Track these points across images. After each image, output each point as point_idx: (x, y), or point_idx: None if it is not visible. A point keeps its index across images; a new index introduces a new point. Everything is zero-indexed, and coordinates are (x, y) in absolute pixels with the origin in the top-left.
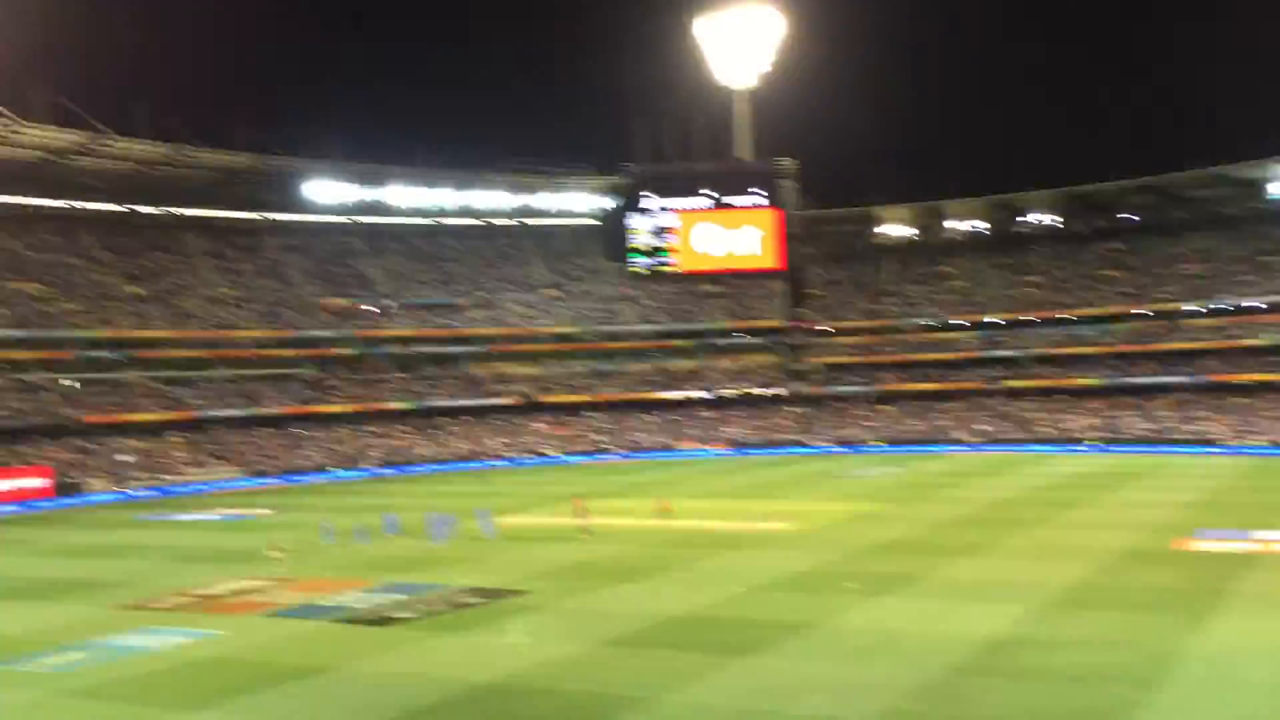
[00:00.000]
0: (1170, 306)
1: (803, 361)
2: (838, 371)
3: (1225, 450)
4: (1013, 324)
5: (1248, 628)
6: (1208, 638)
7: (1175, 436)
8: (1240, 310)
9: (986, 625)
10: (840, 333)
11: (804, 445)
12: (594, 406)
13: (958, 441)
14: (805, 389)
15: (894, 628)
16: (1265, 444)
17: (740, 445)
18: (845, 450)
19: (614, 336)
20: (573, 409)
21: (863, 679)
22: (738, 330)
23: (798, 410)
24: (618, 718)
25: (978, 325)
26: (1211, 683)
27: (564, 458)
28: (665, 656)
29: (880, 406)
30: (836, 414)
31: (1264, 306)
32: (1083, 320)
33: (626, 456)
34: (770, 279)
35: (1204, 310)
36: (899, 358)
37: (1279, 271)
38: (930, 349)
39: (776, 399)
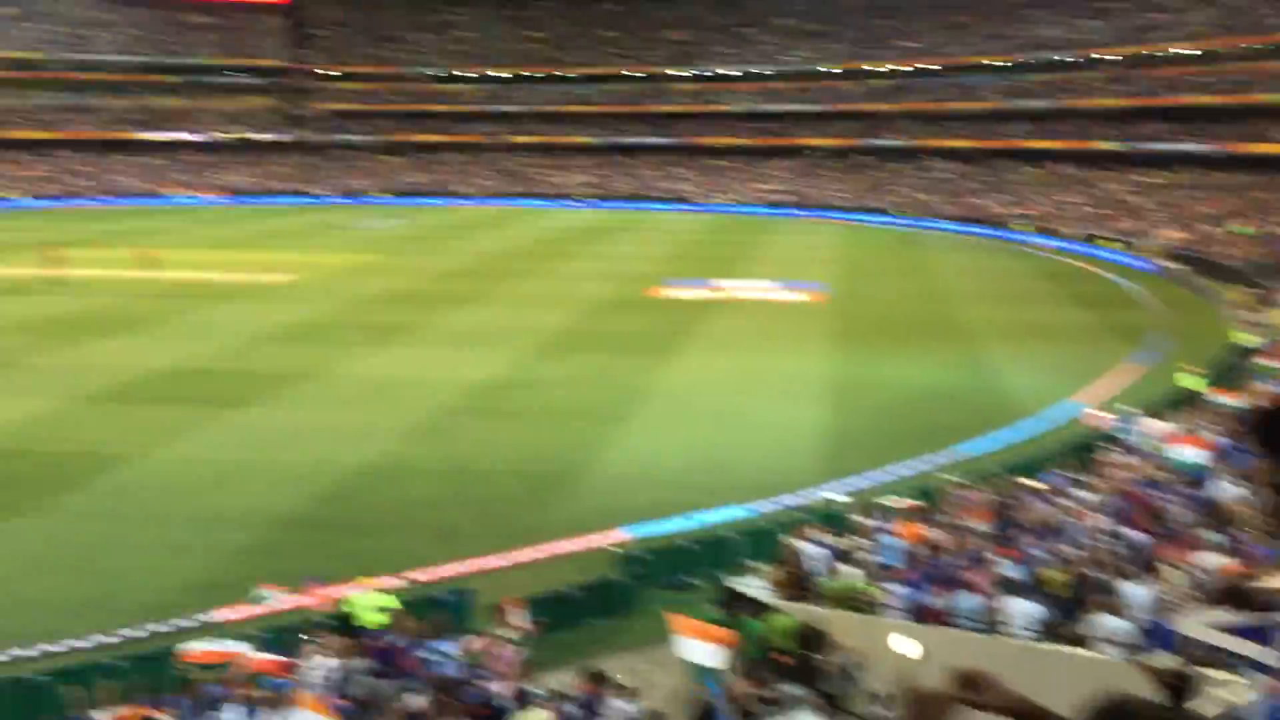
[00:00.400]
0: (657, 70)
1: (304, 107)
2: (341, 119)
3: (696, 207)
4: (517, 79)
5: (702, 364)
6: (671, 374)
7: (656, 194)
8: (717, 78)
9: (480, 370)
10: (345, 78)
11: (306, 195)
12: (64, 145)
13: (460, 194)
14: (307, 136)
15: (391, 375)
16: (730, 202)
17: (236, 193)
18: (348, 201)
19: (86, 66)
20: (38, 147)
21: (359, 424)
22: (232, 68)
23: (299, 158)
24: (101, 476)
25: (483, 78)
26: (672, 411)
27: (29, 201)
28: (152, 411)
29: (384, 157)
30: (340, 163)
31: (739, 74)
32: (581, 79)
33: (105, 202)
34: (269, 13)
35: (687, 75)
36: (404, 107)
37: (752, 42)
38: (436, 100)
39: (276, 145)
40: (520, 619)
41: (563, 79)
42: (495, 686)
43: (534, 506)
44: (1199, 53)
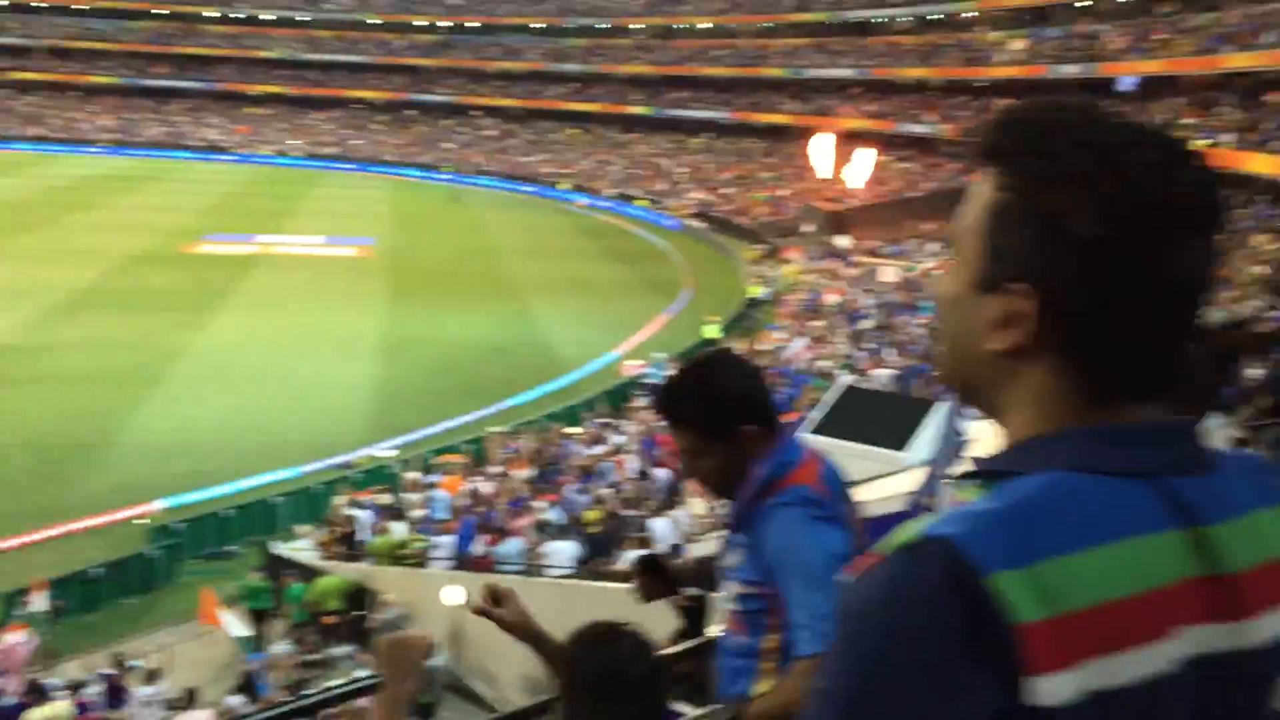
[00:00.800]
0: (186, 9)
1: None
2: None
3: (237, 158)
4: (18, 8)
5: (245, 323)
6: (211, 334)
7: (189, 142)
8: (252, 20)
9: None
10: None
11: None
12: None
13: None
14: None
15: None
16: (271, 153)
17: None
18: None
19: None
20: None
21: None
22: None
23: None
24: None
25: None
26: (212, 374)
27: None
28: None
29: None
30: None
31: (274, 19)
32: (97, 12)
33: None
34: None
35: (218, 16)
36: None
37: None
38: None
39: None
40: (40, 603)
41: (76, 10)
42: (2, 682)
43: (53, 482)
44: (713, 26)
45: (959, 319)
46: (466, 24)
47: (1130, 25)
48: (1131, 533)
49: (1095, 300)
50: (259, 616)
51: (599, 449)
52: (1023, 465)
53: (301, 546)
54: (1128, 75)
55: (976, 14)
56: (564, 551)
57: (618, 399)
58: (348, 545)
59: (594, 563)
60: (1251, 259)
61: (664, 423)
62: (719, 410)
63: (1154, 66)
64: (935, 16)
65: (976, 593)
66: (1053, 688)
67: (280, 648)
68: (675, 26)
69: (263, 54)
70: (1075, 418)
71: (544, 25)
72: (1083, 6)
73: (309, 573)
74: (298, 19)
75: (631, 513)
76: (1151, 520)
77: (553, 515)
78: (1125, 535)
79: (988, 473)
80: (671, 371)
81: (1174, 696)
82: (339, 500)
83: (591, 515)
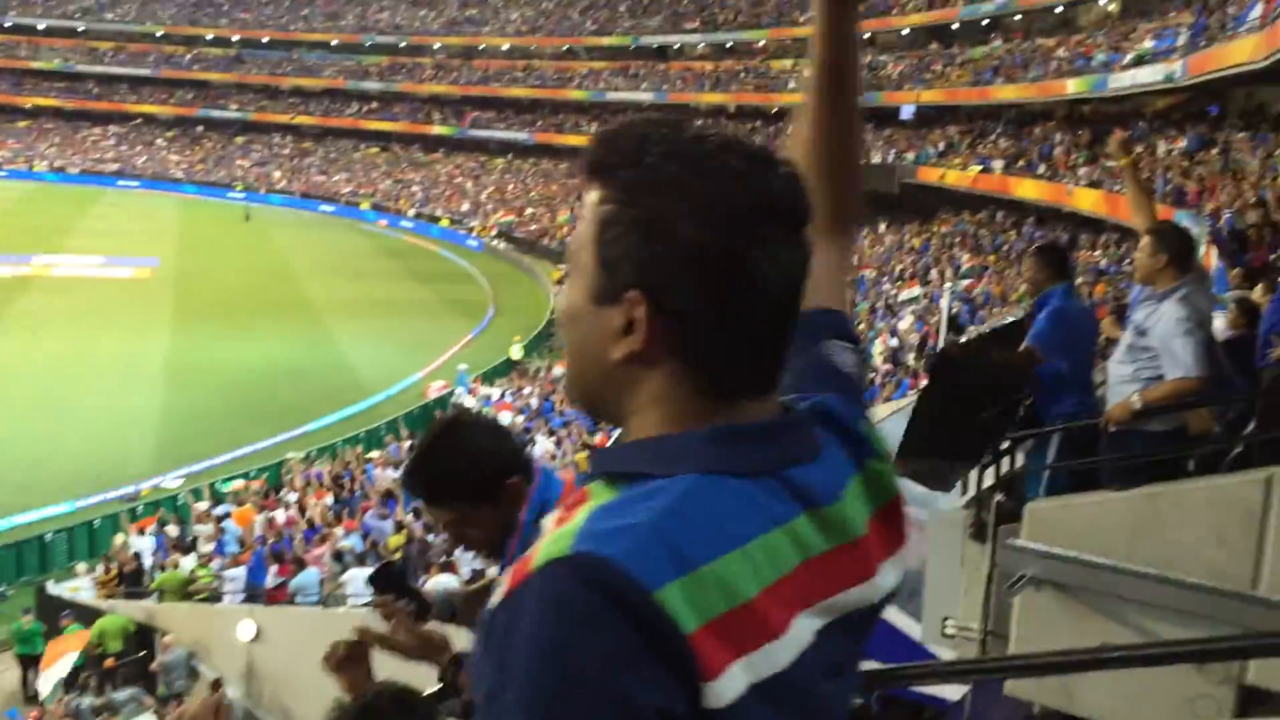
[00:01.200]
0: None
1: None
2: None
3: (5, 174)
4: None
5: (14, 349)
6: None
7: None
8: (18, 29)
9: None
10: None
11: None
12: None
13: None
14: None
15: None
16: (46, 169)
17: None
18: None
19: None
20: None
21: None
22: None
23: None
24: None
25: None
26: None
27: None
28: None
29: None
30: None
31: (43, 28)
32: None
33: None
34: None
35: None
36: None
37: None
38: None
39: None
40: None
41: None
42: None
43: None
44: (513, 47)
45: (581, 332)
46: (260, 39)
47: (910, 56)
48: (764, 529)
49: (701, 303)
50: (30, 662)
51: (399, 473)
52: (652, 467)
53: (80, 585)
54: (908, 104)
55: (767, 43)
56: (364, 579)
57: (421, 421)
58: (130, 582)
59: None
60: (1019, 278)
61: (424, 505)
62: (479, 475)
63: (932, 96)
64: (729, 44)
65: (645, 610)
66: (721, 689)
67: (54, 695)
68: (477, 47)
69: (35, 64)
70: (696, 418)
71: (341, 42)
72: (867, 37)
73: (88, 613)
74: (77, 29)
75: (435, 537)
76: (781, 512)
77: (352, 542)
78: (759, 532)
79: (615, 474)
80: (411, 456)
81: (817, 664)
82: (122, 534)
83: (394, 541)
